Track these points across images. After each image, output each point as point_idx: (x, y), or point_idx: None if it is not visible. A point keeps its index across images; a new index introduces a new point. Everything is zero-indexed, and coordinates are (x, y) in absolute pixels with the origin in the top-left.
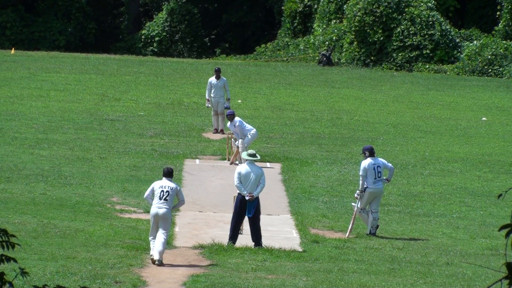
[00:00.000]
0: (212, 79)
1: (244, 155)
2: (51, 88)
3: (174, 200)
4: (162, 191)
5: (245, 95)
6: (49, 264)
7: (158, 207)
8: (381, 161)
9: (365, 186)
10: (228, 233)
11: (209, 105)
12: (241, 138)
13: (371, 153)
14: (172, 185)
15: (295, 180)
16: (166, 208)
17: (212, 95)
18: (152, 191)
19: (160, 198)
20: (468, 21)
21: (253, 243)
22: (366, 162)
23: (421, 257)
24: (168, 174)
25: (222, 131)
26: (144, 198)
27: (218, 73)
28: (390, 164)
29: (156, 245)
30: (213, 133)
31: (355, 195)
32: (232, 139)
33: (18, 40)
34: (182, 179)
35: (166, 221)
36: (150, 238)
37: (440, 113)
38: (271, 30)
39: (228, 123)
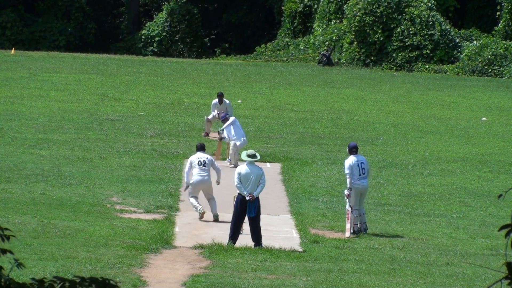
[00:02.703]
0: (216, 103)
1: (243, 156)
2: (51, 88)
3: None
4: (200, 161)
5: (245, 95)
6: (49, 264)
7: (200, 175)
8: (364, 158)
9: (349, 187)
10: (228, 233)
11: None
12: (233, 137)
13: (356, 150)
14: (208, 156)
15: (295, 180)
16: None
17: (215, 115)
18: (191, 165)
19: (199, 165)
20: (468, 21)
21: (253, 243)
22: (350, 160)
23: (421, 257)
24: (201, 148)
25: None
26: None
27: (221, 98)
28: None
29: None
30: (203, 136)
31: (346, 193)
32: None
33: (18, 40)
34: (182, 179)
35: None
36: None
37: (440, 113)
38: (271, 30)
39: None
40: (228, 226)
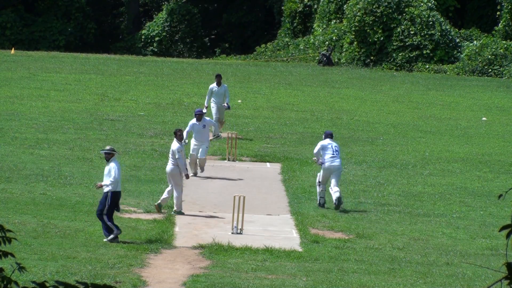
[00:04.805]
0: (214, 86)
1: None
2: (51, 88)
3: None
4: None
5: (245, 95)
6: (49, 264)
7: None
8: (337, 143)
9: (321, 161)
10: (112, 230)
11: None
12: (202, 140)
13: (332, 136)
14: (175, 145)
15: (295, 180)
16: (171, 165)
17: (214, 101)
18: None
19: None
20: (468, 21)
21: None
22: (324, 141)
23: (421, 257)
24: (174, 135)
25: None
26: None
27: (219, 79)
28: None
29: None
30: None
31: (317, 162)
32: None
33: (18, 40)
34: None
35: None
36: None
37: (440, 113)
38: (271, 30)
39: (194, 121)
40: (228, 225)
